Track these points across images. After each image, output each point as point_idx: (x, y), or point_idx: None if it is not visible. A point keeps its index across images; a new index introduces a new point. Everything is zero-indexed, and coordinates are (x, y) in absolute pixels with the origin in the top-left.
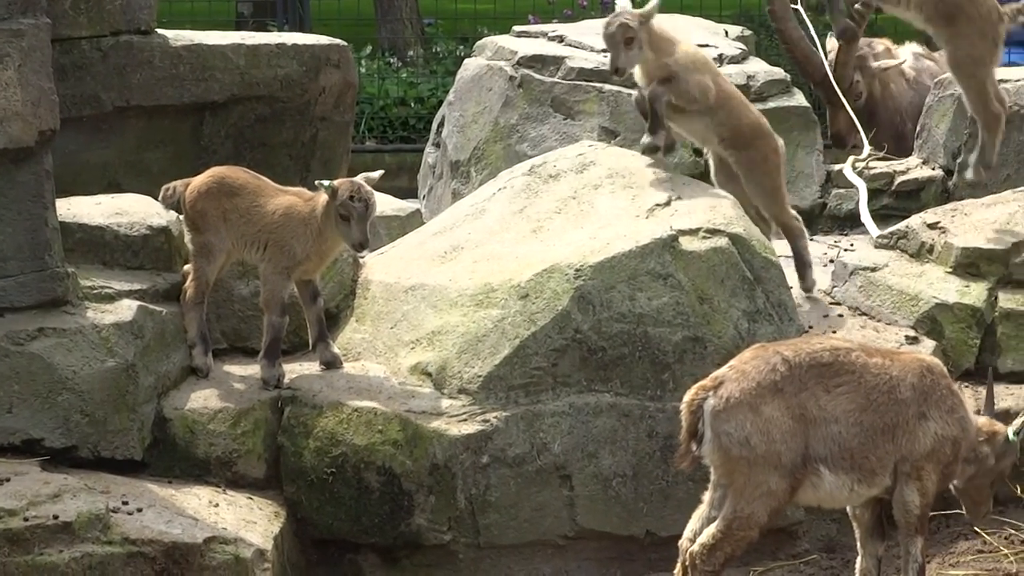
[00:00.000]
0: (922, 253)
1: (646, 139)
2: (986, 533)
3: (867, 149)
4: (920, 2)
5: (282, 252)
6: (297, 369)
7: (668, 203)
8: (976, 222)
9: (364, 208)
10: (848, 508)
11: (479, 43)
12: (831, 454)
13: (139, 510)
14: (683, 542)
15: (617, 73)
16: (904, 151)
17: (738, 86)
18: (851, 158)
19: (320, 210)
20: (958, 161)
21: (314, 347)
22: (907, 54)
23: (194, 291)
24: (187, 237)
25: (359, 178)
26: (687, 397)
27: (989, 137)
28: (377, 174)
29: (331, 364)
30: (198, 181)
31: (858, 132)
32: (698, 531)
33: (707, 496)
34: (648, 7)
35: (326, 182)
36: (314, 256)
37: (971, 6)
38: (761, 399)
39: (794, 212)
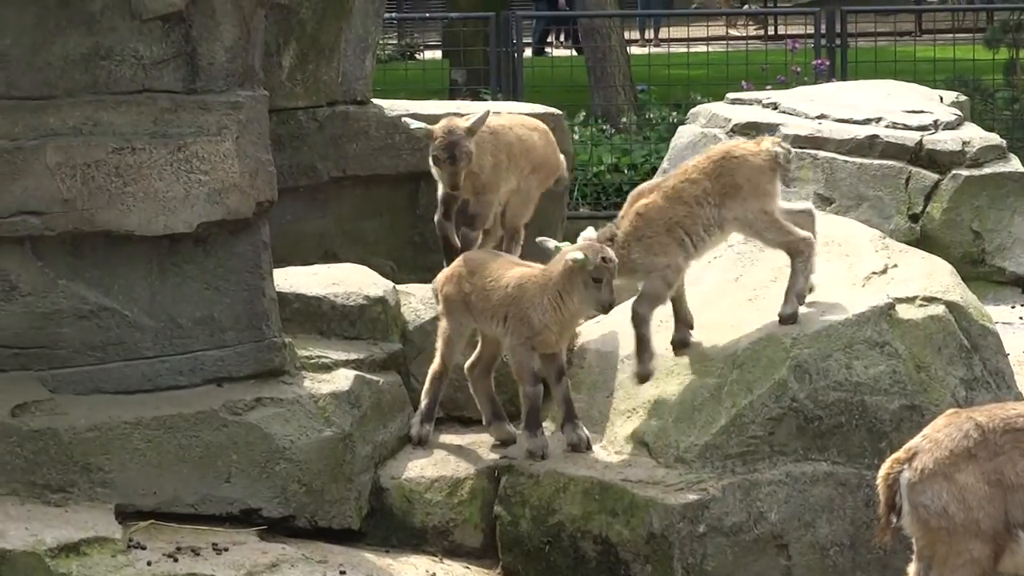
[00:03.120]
0: None
1: None
2: None
3: None
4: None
5: (521, 323)
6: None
7: (884, 271)
8: None
9: (614, 268)
10: None
11: (693, 110)
12: None
13: None
14: None
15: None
16: None
17: (953, 152)
18: None
19: (558, 277)
20: None
21: (561, 427)
22: None
23: (438, 367)
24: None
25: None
26: (882, 471)
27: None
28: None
29: (576, 447)
30: (448, 268)
31: None
32: None
33: (912, 567)
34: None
35: (562, 245)
36: (553, 324)
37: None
38: (955, 467)
39: None
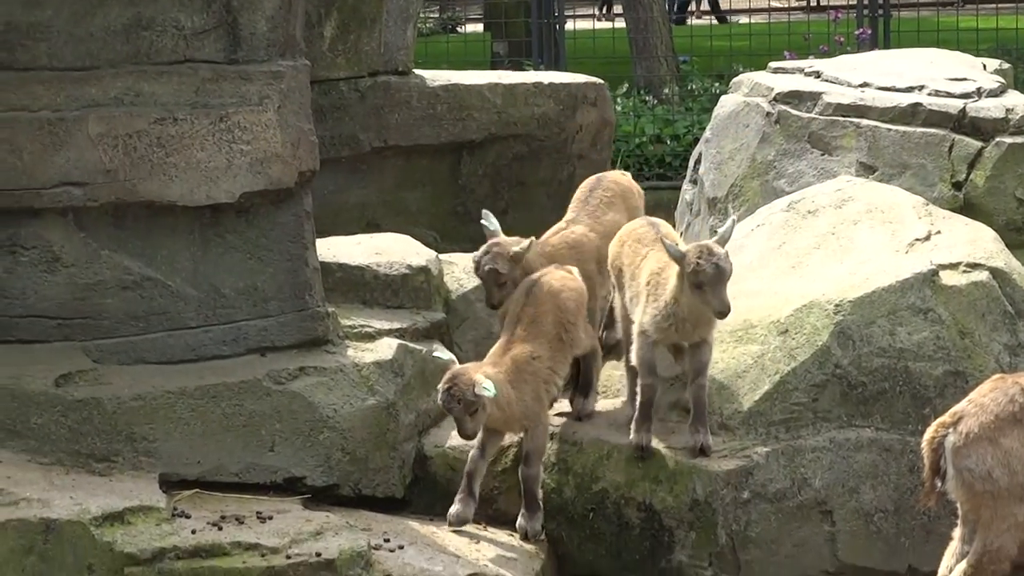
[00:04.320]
0: None
1: None
2: None
3: None
4: None
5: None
6: (555, 407)
7: (928, 237)
8: None
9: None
10: None
11: (735, 80)
12: None
13: (401, 547)
14: None
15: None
16: None
17: (996, 119)
18: None
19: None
20: None
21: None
22: None
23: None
24: None
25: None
26: (927, 435)
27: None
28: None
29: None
30: None
31: None
32: (952, 567)
33: (957, 532)
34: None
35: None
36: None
37: None
38: (1000, 432)
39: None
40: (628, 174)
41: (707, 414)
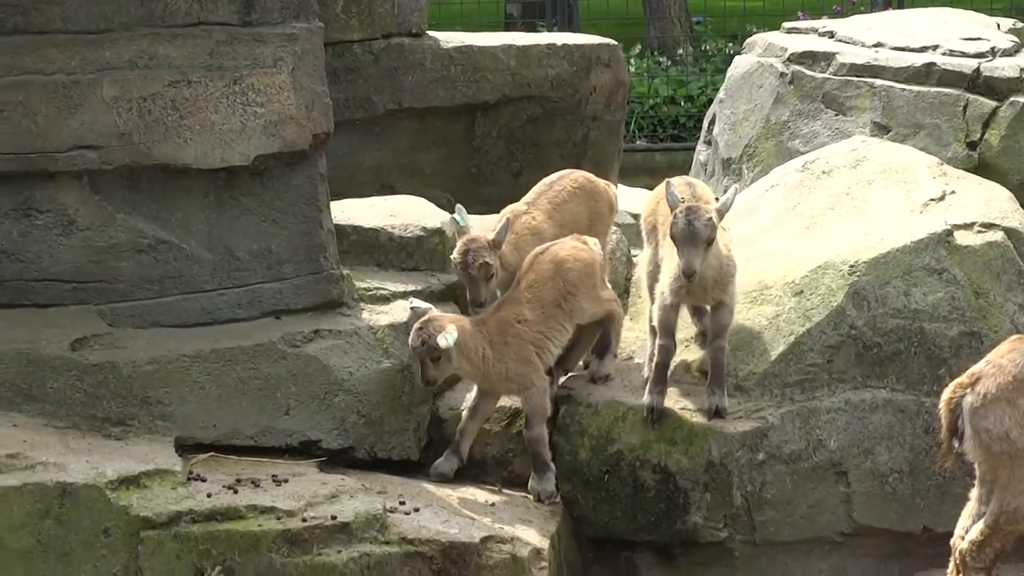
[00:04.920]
0: None
1: None
2: None
3: None
4: None
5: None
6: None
7: (942, 197)
8: None
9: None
10: None
11: (749, 40)
12: None
13: (416, 510)
14: (955, 539)
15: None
16: None
17: (1010, 79)
18: None
19: None
20: None
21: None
22: None
23: None
24: None
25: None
26: (945, 395)
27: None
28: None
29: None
30: None
31: None
32: (968, 528)
33: (974, 492)
34: None
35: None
36: None
37: None
38: (1018, 392)
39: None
40: (610, 185)
41: (724, 376)
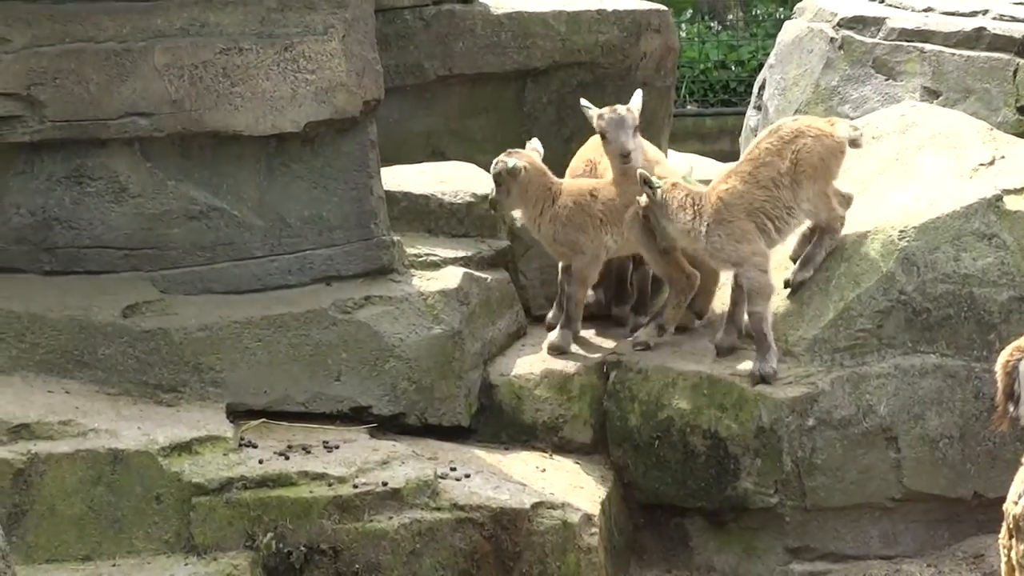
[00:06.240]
0: None
1: None
2: None
3: None
4: None
5: None
6: (619, 335)
7: (992, 162)
8: None
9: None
10: None
11: (799, 5)
12: None
13: (467, 476)
14: (1007, 504)
15: None
16: None
17: None
18: None
19: None
20: None
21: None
22: None
23: None
24: None
25: None
26: (1001, 359)
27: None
28: None
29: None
30: None
31: None
32: (1022, 493)
33: None
34: None
35: None
36: None
37: None
38: None
39: None
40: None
41: (767, 342)
